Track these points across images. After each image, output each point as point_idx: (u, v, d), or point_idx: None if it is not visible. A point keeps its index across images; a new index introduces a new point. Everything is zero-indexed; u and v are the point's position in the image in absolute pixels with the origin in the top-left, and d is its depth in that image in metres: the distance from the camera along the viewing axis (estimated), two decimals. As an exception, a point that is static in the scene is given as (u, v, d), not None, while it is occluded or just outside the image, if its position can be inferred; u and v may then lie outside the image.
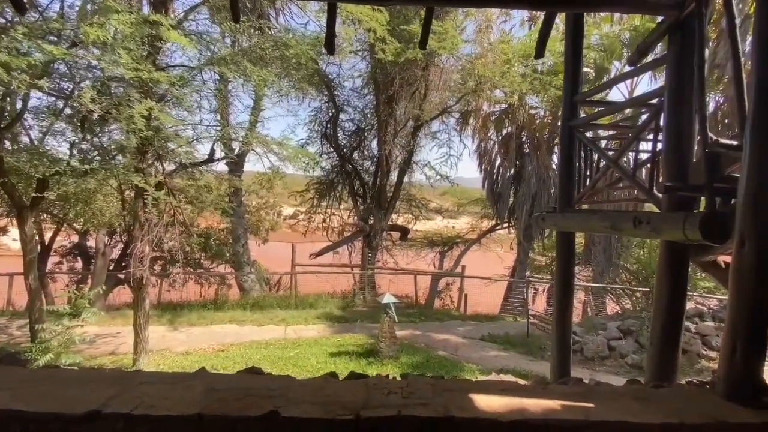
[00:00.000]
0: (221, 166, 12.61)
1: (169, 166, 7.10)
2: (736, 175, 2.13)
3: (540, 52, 2.98)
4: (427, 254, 18.60)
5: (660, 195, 2.50)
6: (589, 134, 3.72)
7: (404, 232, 17.32)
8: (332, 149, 15.24)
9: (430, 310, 11.96)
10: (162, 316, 9.54)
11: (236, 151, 12.34)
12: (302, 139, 16.16)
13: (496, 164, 15.85)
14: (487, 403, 1.25)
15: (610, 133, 3.62)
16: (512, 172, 15.03)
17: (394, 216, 17.47)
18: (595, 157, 3.32)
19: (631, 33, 12.86)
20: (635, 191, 3.51)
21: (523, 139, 15.20)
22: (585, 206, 3.75)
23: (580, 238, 14.34)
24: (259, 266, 16.53)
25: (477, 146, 15.94)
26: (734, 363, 1.43)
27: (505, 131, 15.64)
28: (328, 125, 15.14)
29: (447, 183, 17.00)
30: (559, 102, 13.45)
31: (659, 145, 2.51)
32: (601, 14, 12.85)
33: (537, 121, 15.22)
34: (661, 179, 2.44)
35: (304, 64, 8.80)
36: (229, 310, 10.69)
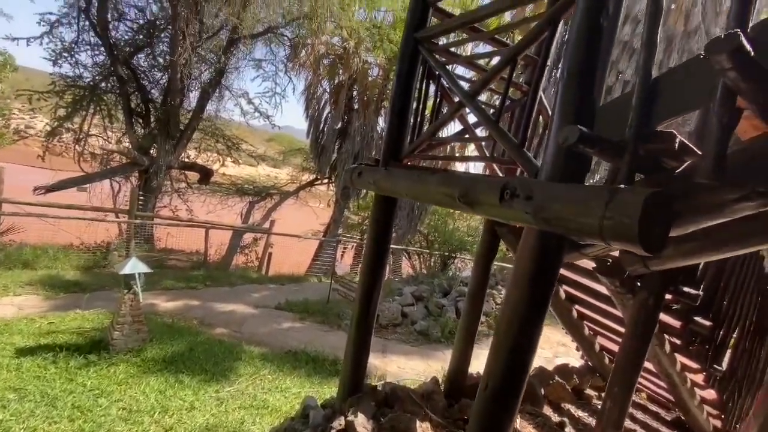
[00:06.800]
0: None
1: None
2: (672, 131, 1.28)
3: None
4: (236, 204, 15.98)
5: (534, 160, 1.55)
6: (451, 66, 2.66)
7: (205, 174, 14.12)
8: (97, 37, 10.40)
9: (223, 272, 9.92)
10: None
11: None
12: (49, 13, 10.50)
13: (325, 114, 14.54)
14: None
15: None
16: (339, 125, 14.06)
17: (192, 153, 13.96)
18: (447, 95, 2.24)
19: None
20: (497, 150, 2.64)
21: (354, 93, 14.32)
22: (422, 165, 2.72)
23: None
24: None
25: (306, 88, 14.14)
26: None
27: (337, 80, 14.36)
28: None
29: (268, 124, 14.67)
30: (395, 59, 13.04)
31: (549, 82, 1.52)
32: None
33: (369, 79, 14.49)
34: (548, 133, 1.46)
35: None
36: None
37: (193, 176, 14.31)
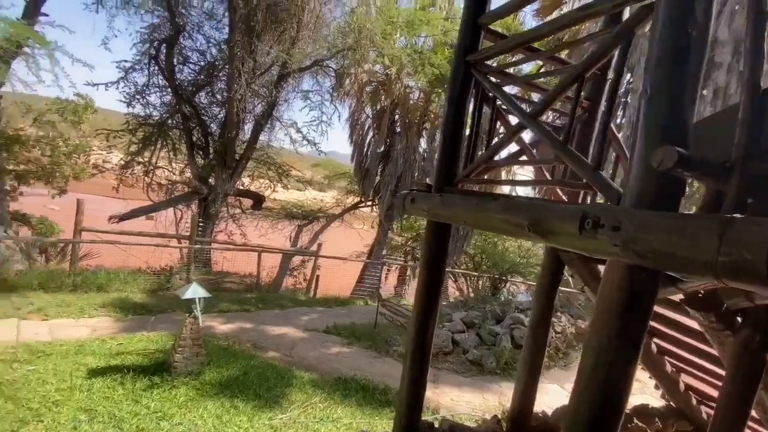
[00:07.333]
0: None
1: None
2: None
3: None
4: (285, 227, 16.62)
5: (614, 184, 1.41)
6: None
7: (258, 200, 14.89)
8: (165, 80, 11.57)
9: (274, 294, 10.22)
10: None
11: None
12: (124, 61, 11.90)
13: (368, 139, 14.94)
14: None
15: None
16: (382, 149, 14.32)
17: (246, 180, 14.83)
18: (502, 118, 2.16)
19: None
20: (559, 170, 2.51)
21: (396, 117, 14.60)
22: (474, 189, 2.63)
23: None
24: (48, 225, 11.83)
25: (350, 115, 14.68)
26: None
27: (379, 106, 14.77)
28: (162, 47, 11.37)
29: (315, 151, 15.30)
30: (436, 82, 13.18)
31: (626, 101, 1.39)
32: None
33: (411, 102, 14.71)
34: (630, 154, 1.33)
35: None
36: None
37: (247, 202, 15.13)
